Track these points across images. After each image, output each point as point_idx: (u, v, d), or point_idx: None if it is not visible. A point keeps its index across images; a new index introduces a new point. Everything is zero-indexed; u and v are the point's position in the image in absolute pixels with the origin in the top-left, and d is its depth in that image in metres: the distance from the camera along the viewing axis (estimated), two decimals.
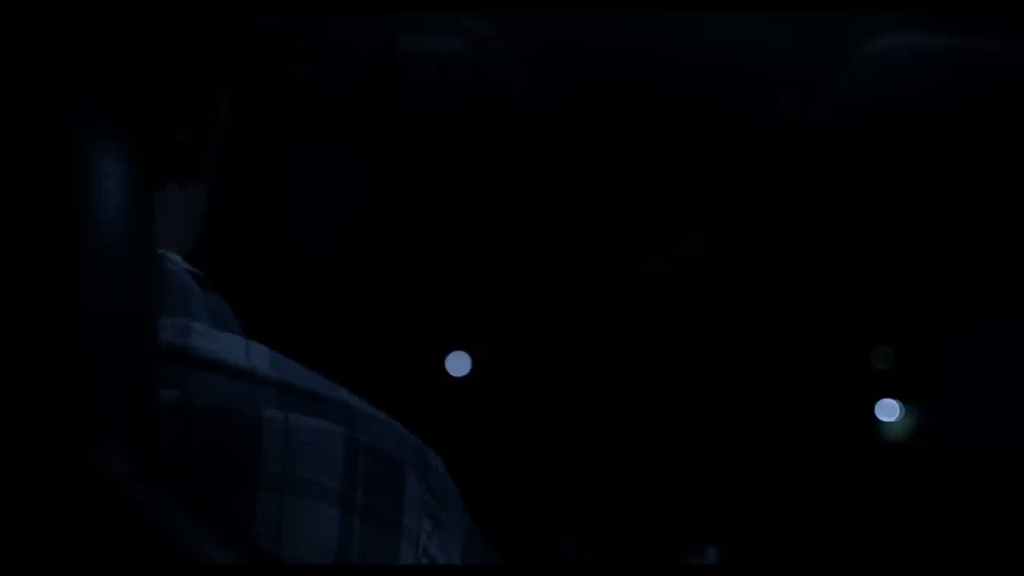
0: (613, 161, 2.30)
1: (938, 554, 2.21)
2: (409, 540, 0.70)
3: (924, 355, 2.36)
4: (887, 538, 2.27)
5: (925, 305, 2.33)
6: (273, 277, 2.23)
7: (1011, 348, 2.30)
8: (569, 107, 2.07)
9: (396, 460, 0.71)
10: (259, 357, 0.72)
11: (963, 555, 2.21)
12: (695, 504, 2.31)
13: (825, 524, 2.35)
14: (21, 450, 0.59)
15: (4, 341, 0.59)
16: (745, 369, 2.37)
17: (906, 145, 2.13)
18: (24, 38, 0.64)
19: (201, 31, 0.71)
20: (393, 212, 2.32)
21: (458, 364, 2.41)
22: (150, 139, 0.70)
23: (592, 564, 2.30)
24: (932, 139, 2.08)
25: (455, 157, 2.28)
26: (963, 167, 2.19)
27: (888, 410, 2.34)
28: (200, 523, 0.62)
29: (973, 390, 2.30)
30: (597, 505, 2.33)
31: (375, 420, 0.73)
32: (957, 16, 1.60)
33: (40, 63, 0.61)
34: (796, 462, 2.36)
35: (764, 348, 2.38)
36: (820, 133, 2.10)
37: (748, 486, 2.31)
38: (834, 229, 2.33)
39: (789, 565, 2.32)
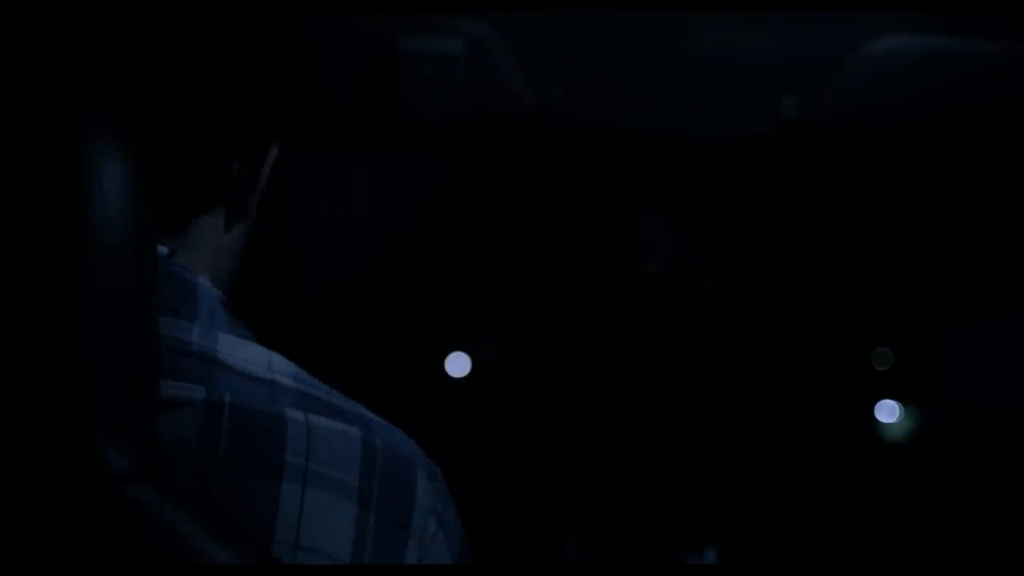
0: (613, 161, 2.30)
1: (938, 554, 2.21)
2: (414, 538, 0.73)
3: (924, 355, 2.36)
4: (887, 538, 2.27)
5: (925, 305, 2.33)
6: (273, 279, 2.23)
7: (1011, 348, 2.30)
8: (569, 107, 2.07)
9: (408, 460, 0.75)
10: (281, 368, 0.76)
11: (963, 555, 2.21)
12: (695, 504, 2.31)
13: (825, 524, 2.35)
14: (23, 449, 0.59)
15: (5, 340, 0.59)
16: (744, 369, 2.37)
17: (906, 145, 2.13)
18: (29, 44, 0.64)
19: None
20: (392, 213, 2.32)
21: (458, 364, 2.41)
22: (206, 162, 0.76)
23: (592, 564, 2.30)
24: (932, 139, 2.08)
25: (455, 158, 2.28)
26: (963, 167, 2.19)
27: (888, 411, 2.35)
28: (201, 521, 0.62)
29: (973, 390, 2.30)
30: (597, 505, 2.33)
31: (387, 426, 0.76)
32: (957, 16, 1.60)
33: (44, 68, 0.62)
34: (796, 462, 2.36)
35: (764, 348, 2.38)
36: (820, 133, 2.10)
37: (748, 486, 2.31)
38: (834, 229, 2.33)
39: (789, 565, 2.32)
